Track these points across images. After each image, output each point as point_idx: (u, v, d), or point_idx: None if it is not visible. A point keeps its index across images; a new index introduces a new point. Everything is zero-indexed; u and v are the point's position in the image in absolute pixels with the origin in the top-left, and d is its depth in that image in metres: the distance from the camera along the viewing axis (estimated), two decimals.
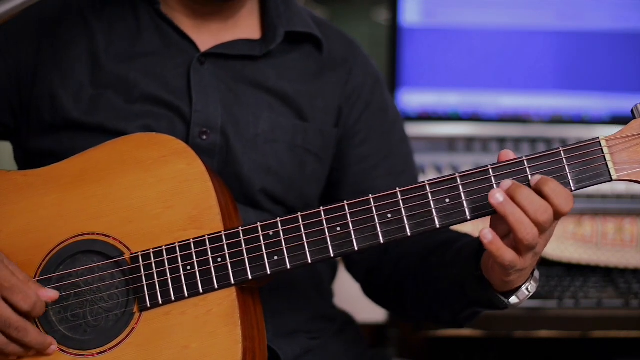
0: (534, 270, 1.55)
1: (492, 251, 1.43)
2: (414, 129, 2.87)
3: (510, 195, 1.42)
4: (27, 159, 1.82)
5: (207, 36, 1.81)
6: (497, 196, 1.41)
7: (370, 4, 3.18)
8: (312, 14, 1.96)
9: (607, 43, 2.86)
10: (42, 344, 1.53)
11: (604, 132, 2.87)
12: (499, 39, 2.87)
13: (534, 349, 2.99)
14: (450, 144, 2.88)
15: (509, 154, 1.48)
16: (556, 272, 2.63)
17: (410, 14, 2.87)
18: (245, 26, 1.85)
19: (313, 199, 1.86)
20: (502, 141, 2.83)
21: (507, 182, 1.43)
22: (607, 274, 2.62)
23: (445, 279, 1.67)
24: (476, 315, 1.71)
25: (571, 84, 2.89)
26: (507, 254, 1.43)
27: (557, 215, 1.43)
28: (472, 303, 1.62)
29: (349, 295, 1.96)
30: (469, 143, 2.86)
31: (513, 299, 1.55)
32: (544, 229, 1.43)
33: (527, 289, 1.54)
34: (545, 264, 2.62)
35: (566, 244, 2.59)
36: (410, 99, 2.88)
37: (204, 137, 1.74)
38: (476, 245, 1.58)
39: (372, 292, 1.93)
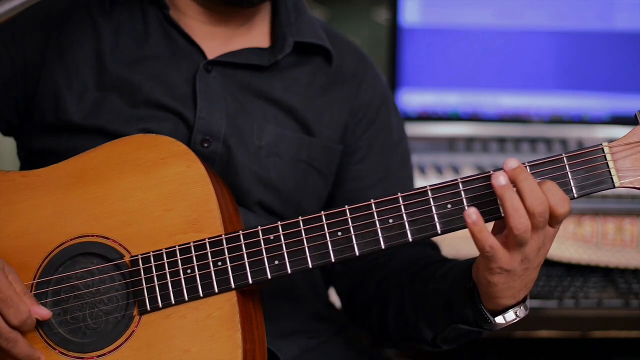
0: (526, 297, 1.53)
1: (474, 232, 1.41)
2: (414, 129, 2.86)
3: (513, 178, 1.40)
4: (29, 157, 1.82)
5: (216, 43, 1.80)
6: (500, 179, 1.40)
7: (370, 4, 3.17)
8: (326, 25, 1.93)
9: (607, 43, 2.86)
10: (30, 357, 1.53)
11: (604, 132, 2.88)
12: (499, 39, 2.87)
13: (534, 349, 2.99)
14: (450, 144, 2.88)
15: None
16: (556, 272, 2.62)
17: (410, 14, 2.86)
18: (256, 34, 1.84)
19: (311, 214, 1.84)
20: (502, 141, 2.83)
21: (514, 163, 1.41)
22: (607, 274, 2.62)
23: (433, 294, 1.65)
24: (458, 340, 1.69)
25: (571, 84, 2.88)
26: (488, 238, 1.41)
27: (553, 217, 1.41)
28: (457, 320, 1.60)
29: None
30: (469, 143, 2.86)
31: (499, 319, 1.52)
32: (537, 224, 1.40)
33: (515, 312, 1.52)
34: (545, 263, 2.58)
35: (566, 244, 2.59)
36: (410, 99, 2.88)
37: (206, 144, 1.73)
38: (471, 261, 1.56)
39: (353, 310, 1.89)
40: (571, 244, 2.59)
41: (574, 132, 2.86)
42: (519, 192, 1.39)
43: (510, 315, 1.52)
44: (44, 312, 1.54)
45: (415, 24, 2.86)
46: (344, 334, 1.90)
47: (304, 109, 1.82)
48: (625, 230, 2.60)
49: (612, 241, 2.61)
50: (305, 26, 1.84)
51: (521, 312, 1.52)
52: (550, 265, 2.62)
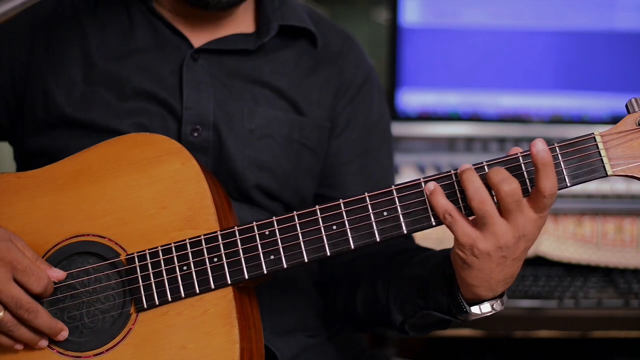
0: (503, 293, 1.52)
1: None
2: (414, 129, 2.87)
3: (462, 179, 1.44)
4: (24, 160, 1.82)
5: (201, 33, 1.80)
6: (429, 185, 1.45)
7: (370, 4, 3.18)
8: (310, 9, 1.95)
9: (607, 43, 2.86)
10: (52, 328, 1.52)
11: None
12: (499, 39, 2.87)
13: (534, 349, 2.99)
14: (450, 144, 2.88)
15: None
16: (556, 272, 2.62)
17: (410, 14, 2.86)
18: (240, 23, 1.84)
19: (308, 194, 1.85)
20: (502, 141, 2.83)
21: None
22: (607, 274, 2.62)
23: (409, 278, 1.64)
24: (426, 329, 1.69)
25: (571, 84, 2.88)
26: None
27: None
28: (430, 306, 1.59)
29: None
30: (469, 143, 2.86)
31: (474, 308, 1.51)
32: (503, 202, 1.40)
33: (492, 305, 1.51)
34: (545, 264, 2.61)
35: (566, 244, 2.59)
36: (410, 99, 2.88)
37: (196, 134, 1.73)
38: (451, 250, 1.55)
39: (322, 287, 1.89)
40: (571, 244, 2.59)
41: (574, 132, 2.84)
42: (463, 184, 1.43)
43: (486, 307, 1.51)
44: (59, 274, 1.54)
45: (415, 24, 2.86)
46: (343, 333, 1.89)
47: (293, 89, 1.82)
48: (625, 230, 2.60)
49: (612, 241, 2.61)
50: (290, 11, 1.85)
51: (497, 305, 1.52)
52: (550, 265, 2.62)
